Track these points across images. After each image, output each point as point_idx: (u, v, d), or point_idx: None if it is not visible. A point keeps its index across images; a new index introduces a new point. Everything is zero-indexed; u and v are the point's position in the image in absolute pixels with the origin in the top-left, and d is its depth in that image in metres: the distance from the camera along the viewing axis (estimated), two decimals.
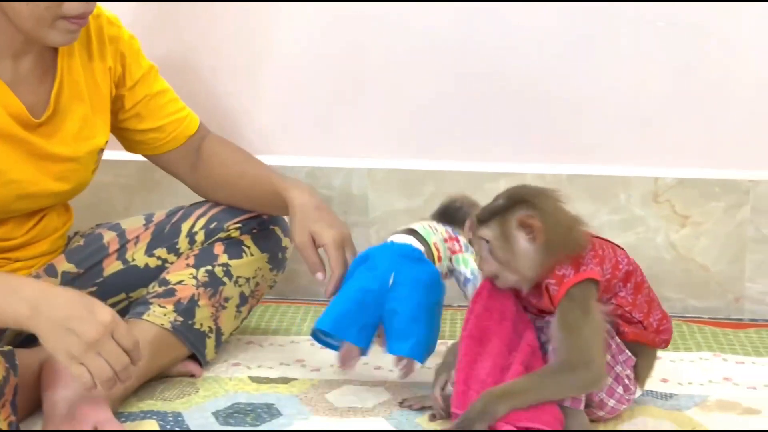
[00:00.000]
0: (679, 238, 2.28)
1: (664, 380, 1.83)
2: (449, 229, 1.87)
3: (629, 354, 1.64)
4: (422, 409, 1.72)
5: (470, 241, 1.74)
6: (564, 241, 1.59)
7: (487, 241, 1.62)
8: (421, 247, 1.81)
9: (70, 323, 1.43)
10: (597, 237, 1.66)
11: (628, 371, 1.65)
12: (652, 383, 1.76)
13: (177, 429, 1.65)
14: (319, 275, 1.81)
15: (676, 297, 2.27)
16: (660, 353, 1.74)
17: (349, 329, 1.73)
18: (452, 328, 2.14)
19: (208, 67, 2.44)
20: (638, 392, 1.70)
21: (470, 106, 2.35)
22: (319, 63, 2.40)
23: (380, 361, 1.96)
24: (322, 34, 2.38)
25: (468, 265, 1.84)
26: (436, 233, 1.85)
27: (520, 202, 1.60)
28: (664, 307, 1.71)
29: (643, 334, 1.64)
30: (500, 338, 1.63)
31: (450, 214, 1.87)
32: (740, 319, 2.27)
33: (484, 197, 2.28)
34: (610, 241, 1.68)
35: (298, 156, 2.43)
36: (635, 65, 2.28)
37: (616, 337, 1.63)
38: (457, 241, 1.86)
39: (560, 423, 1.55)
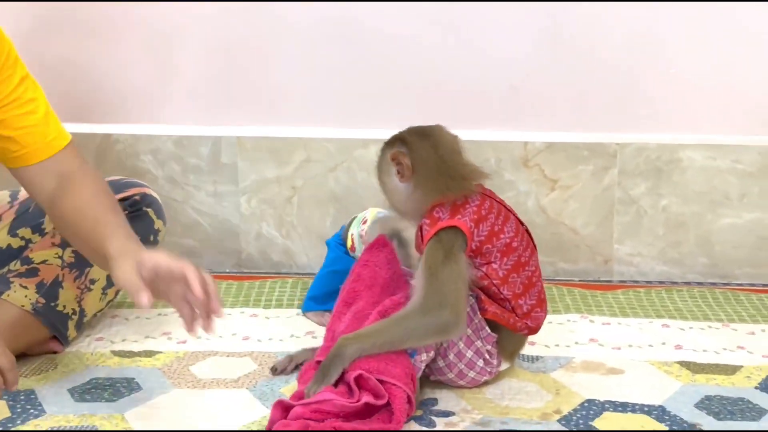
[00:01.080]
0: (549, 201, 2.29)
1: (531, 343, 1.83)
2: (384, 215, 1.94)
3: (489, 331, 1.63)
4: (296, 368, 1.71)
5: None
6: (436, 183, 1.60)
7: None
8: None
9: None
10: (499, 201, 1.66)
11: (489, 346, 1.64)
12: None
13: (30, 408, 1.59)
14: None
15: (547, 260, 2.28)
16: None
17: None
18: None
19: (74, 35, 2.36)
20: (505, 365, 1.70)
21: (339, 73, 2.33)
22: (186, 31, 2.34)
23: (248, 331, 1.93)
24: (191, 4, 2.32)
25: None
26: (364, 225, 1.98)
27: (400, 140, 1.64)
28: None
29: (504, 317, 1.63)
30: (366, 300, 1.64)
31: None
32: (609, 281, 2.30)
33: (354, 164, 2.28)
34: (512, 212, 1.67)
35: (165, 125, 2.37)
36: (503, 31, 2.28)
37: (479, 314, 1.62)
38: None
39: (411, 378, 1.53)
